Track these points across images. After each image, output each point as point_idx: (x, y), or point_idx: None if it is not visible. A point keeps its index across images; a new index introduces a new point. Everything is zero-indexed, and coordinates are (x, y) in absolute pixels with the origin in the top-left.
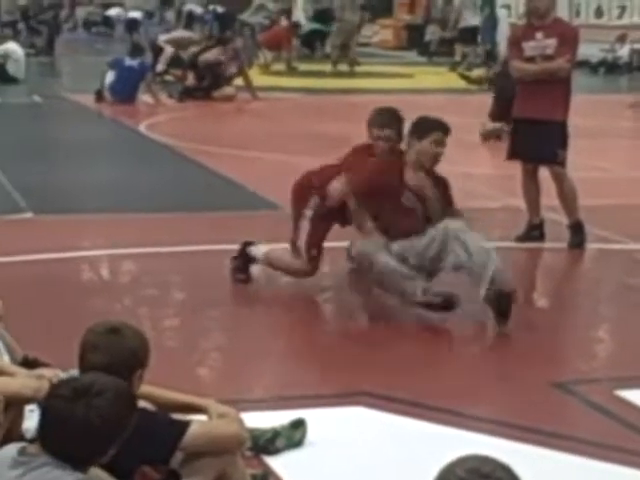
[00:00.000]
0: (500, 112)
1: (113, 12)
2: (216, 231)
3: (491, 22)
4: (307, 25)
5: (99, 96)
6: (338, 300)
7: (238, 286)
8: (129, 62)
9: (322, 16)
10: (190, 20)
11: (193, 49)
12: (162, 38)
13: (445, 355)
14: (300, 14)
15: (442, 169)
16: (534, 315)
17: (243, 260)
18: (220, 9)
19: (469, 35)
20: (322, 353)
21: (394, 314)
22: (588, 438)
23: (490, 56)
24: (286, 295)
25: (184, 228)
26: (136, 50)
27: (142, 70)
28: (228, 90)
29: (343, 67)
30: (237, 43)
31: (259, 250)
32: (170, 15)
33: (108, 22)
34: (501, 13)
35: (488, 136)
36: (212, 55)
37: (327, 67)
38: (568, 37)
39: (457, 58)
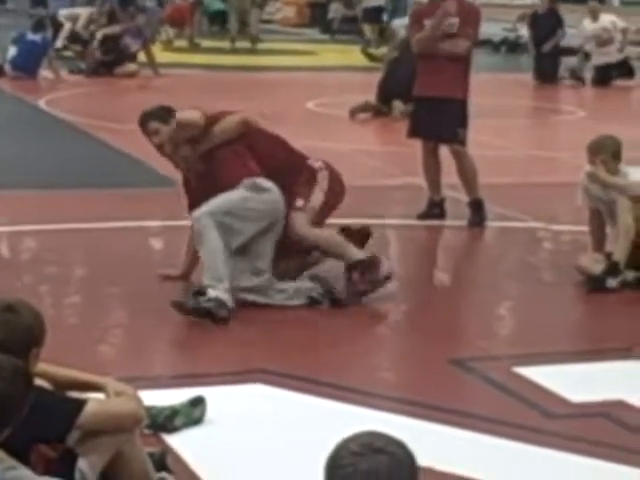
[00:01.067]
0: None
1: None
2: (117, 208)
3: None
4: (212, 3)
5: (0, 71)
6: None
7: (139, 263)
8: (31, 37)
9: None
10: None
11: (92, 26)
12: (62, 13)
13: (344, 334)
14: None
15: (338, 147)
16: (434, 293)
17: None
18: None
19: (374, 14)
20: (220, 331)
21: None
22: (486, 414)
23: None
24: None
25: (84, 205)
26: (39, 25)
27: (44, 45)
28: (131, 67)
29: (245, 44)
30: (139, 19)
31: None
32: None
33: None
34: None
35: (355, 111)
36: (112, 31)
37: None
38: (470, 15)
39: (368, 36)
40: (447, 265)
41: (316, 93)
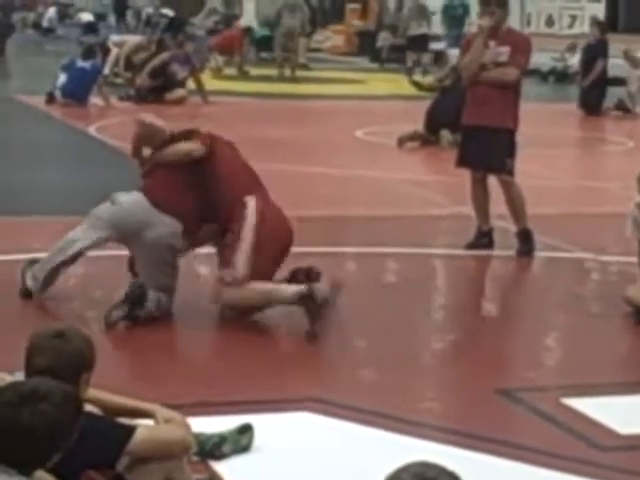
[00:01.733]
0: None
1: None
2: None
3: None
4: (259, 31)
5: (50, 98)
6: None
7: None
8: (81, 64)
9: (270, 21)
10: (148, 23)
11: (142, 54)
12: (113, 40)
13: (391, 364)
14: (252, 19)
15: (386, 176)
16: (481, 322)
17: None
18: (171, 13)
19: (418, 42)
20: (269, 359)
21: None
22: (534, 446)
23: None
24: None
25: None
26: (89, 52)
27: (94, 72)
28: (179, 92)
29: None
30: (188, 47)
31: None
32: (128, 18)
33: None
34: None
35: (403, 140)
36: (159, 59)
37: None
38: (521, 45)
39: (409, 64)
40: (495, 295)
41: (365, 122)
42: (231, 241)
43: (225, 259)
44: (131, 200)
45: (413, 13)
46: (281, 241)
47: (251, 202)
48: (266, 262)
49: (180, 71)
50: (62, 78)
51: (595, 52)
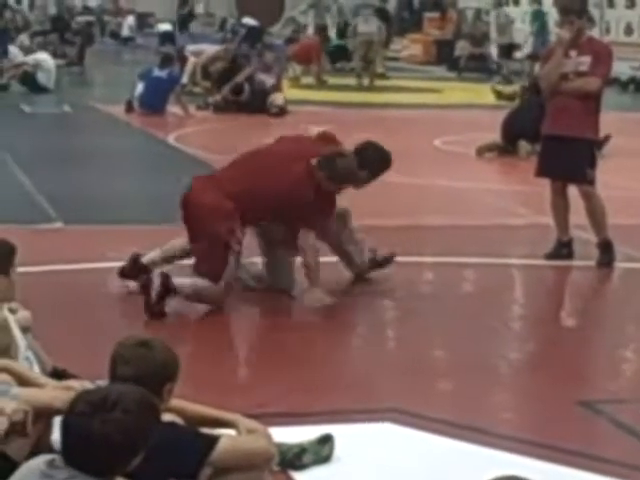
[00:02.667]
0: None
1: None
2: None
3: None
4: (334, 41)
5: (129, 106)
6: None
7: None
8: (157, 73)
9: (343, 31)
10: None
11: (219, 63)
12: (190, 49)
13: (469, 374)
14: (331, 29)
15: (465, 185)
16: (562, 333)
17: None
18: (252, 21)
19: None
20: (350, 369)
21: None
22: (616, 458)
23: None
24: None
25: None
26: (165, 61)
27: (171, 81)
28: (279, 97)
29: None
30: (268, 57)
31: None
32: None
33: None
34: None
35: (482, 150)
36: (244, 75)
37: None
38: (602, 54)
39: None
40: (574, 306)
41: (443, 131)
42: None
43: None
44: None
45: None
46: None
47: None
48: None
49: (267, 78)
50: (139, 87)
51: None
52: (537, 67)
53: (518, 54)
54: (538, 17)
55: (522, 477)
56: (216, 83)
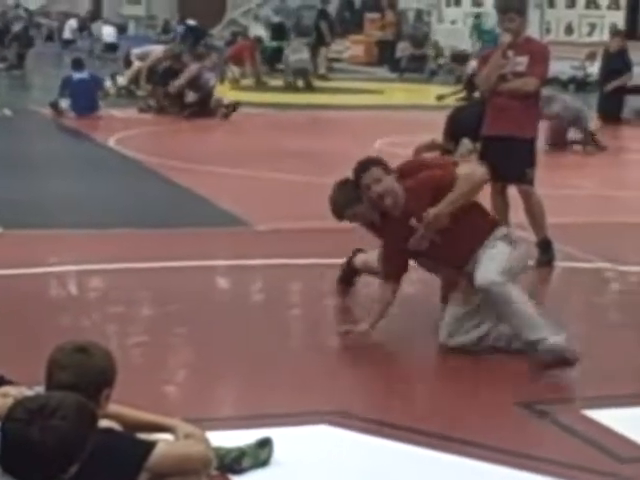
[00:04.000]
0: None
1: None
2: (185, 248)
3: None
4: (270, 43)
5: (55, 108)
6: (305, 317)
7: (207, 303)
8: (78, 76)
9: (278, 33)
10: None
11: (165, 64)
12: (134, 52)
13: (411, 374)
14: (260, 30)
15: None
16: None
17: (347, 270)
18: (192, 23)
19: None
20: (287, 371)
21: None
22: (556, 458)
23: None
24: (257, 312)
25: (153, 244)
26: (77, 64)
27: (95, 81)
28: (223, 98)
29: (318, 83)
30: (212, 57)
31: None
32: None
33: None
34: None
35: (420, 150)
36: (191, 72)
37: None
38: (539, 54)
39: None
40: None
41: (384, 132)
42: None
43: None
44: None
45: None
46: None
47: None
48: None
49: (211, 78)
50: (65, 92)
51: (615, 61)
52: (468, 67)
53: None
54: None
55: None
56: (160, 80)
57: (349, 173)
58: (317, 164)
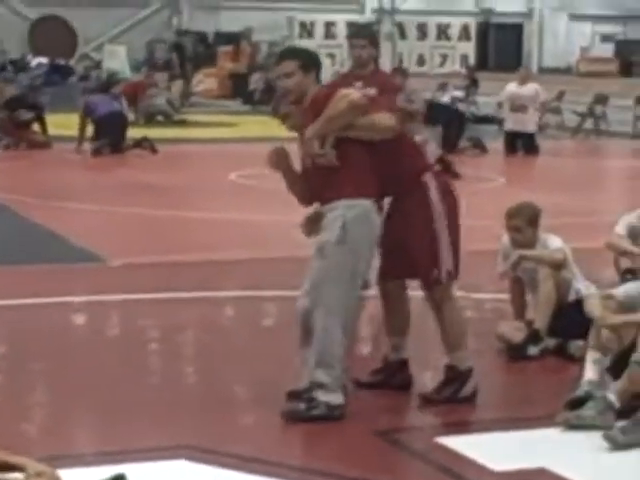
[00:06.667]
0: None
1: None
2: (36, 284)
3: None
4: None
5: None
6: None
7: (63, 339)
8: None
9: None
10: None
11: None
12: None
13: (256, 405)
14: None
15: (261, 219)
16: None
17: None
18: (44, 60)
19: None
20: (144, 407)
21: (221, 364)
22: None
23: None
24: (113, 347)
25: (5, 281)
26: None
27: None
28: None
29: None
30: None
31: None
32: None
33: None
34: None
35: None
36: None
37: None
38: (388, 87)
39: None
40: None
41: (238, 165)
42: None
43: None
44: None
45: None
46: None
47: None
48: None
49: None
50: None
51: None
52: None
53: None
54: None
55: None
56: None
57: (204, 206)
58: (171, 198)
